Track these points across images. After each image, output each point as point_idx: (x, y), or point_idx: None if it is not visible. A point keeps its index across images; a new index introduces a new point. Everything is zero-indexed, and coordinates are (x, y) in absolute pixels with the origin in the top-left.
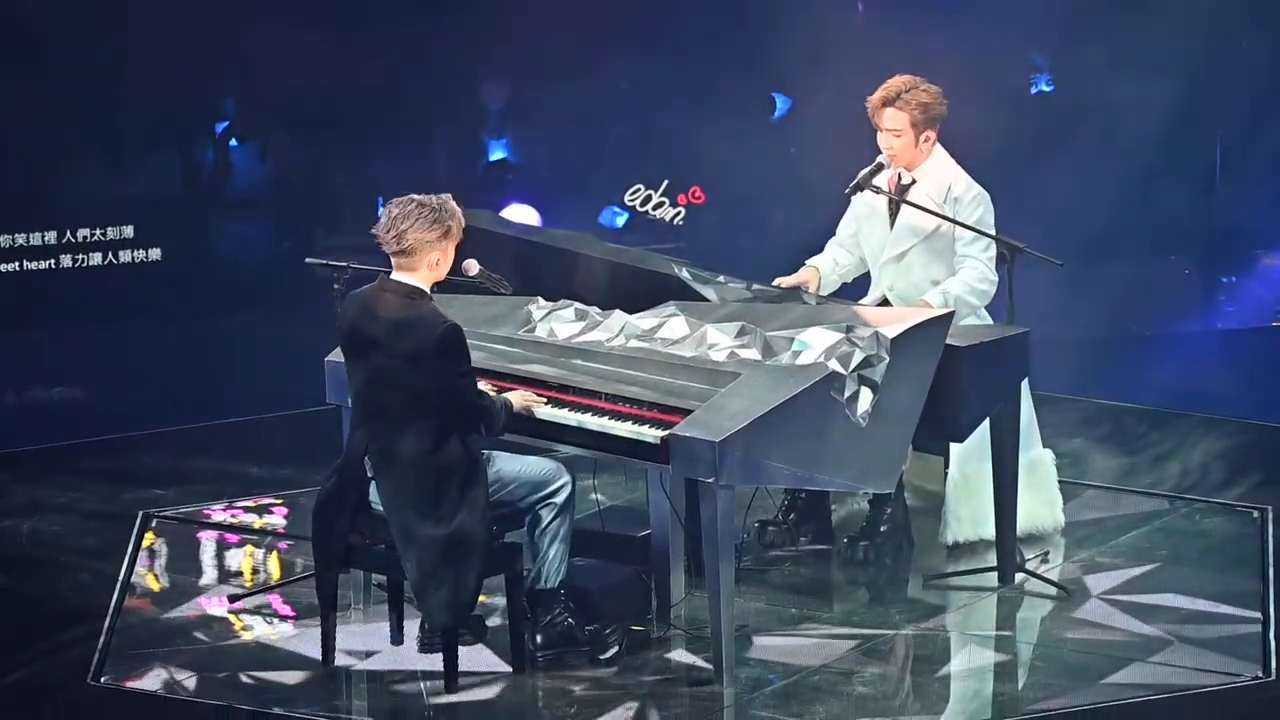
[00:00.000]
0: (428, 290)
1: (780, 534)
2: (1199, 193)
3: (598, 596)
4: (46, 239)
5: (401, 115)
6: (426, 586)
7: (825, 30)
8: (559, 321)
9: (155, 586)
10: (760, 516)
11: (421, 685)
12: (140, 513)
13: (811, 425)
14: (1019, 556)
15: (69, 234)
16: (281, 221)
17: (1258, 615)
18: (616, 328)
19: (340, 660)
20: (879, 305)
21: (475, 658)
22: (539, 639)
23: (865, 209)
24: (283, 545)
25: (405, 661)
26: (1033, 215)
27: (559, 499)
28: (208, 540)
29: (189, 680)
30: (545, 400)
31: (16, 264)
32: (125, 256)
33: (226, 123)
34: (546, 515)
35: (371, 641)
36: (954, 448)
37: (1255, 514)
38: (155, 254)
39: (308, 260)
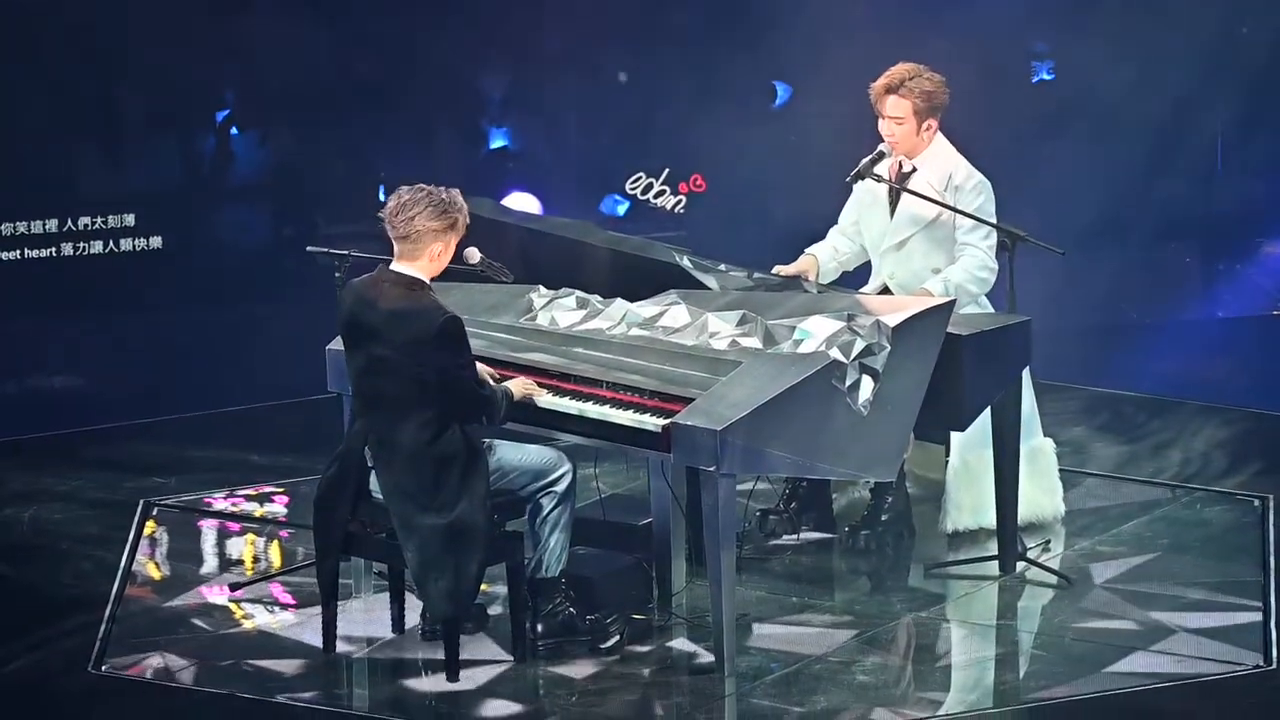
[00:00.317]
0: (427, 281)
1: (781, 523)
2: (1199, 181)
3: (599, 585)
4: (48, 227)
5: (402, 103)
6: (427, 576)
7: (826, 18)
8: (560, 310)
9: (156, 575)
10: (761, 505)
11: (423, 674)
12: (141, 501)
13: (813, 414)
14: (1020, 545)
15: (70, 222)
16: (283, 210)
17: (1258, 604)
18: (618, 316)
19: (341, 649)
20: (880, 293)
21: (476, 647)
22: (540, 628)
23: (867, 197)
24: (284, 533)
25: (406, 650)
26: (1033, 203)
27: (560, 487)
28: (209, 529)
29: (190, 668)
30: (546, 389)
31: (18, 252)
32: (126, 245)
33: (227, 111)
34: (547, 504)
35: (373, 630)
36: (955, 436)
37: (1256, 502)
38: (156, 242)
39: (309, 249)
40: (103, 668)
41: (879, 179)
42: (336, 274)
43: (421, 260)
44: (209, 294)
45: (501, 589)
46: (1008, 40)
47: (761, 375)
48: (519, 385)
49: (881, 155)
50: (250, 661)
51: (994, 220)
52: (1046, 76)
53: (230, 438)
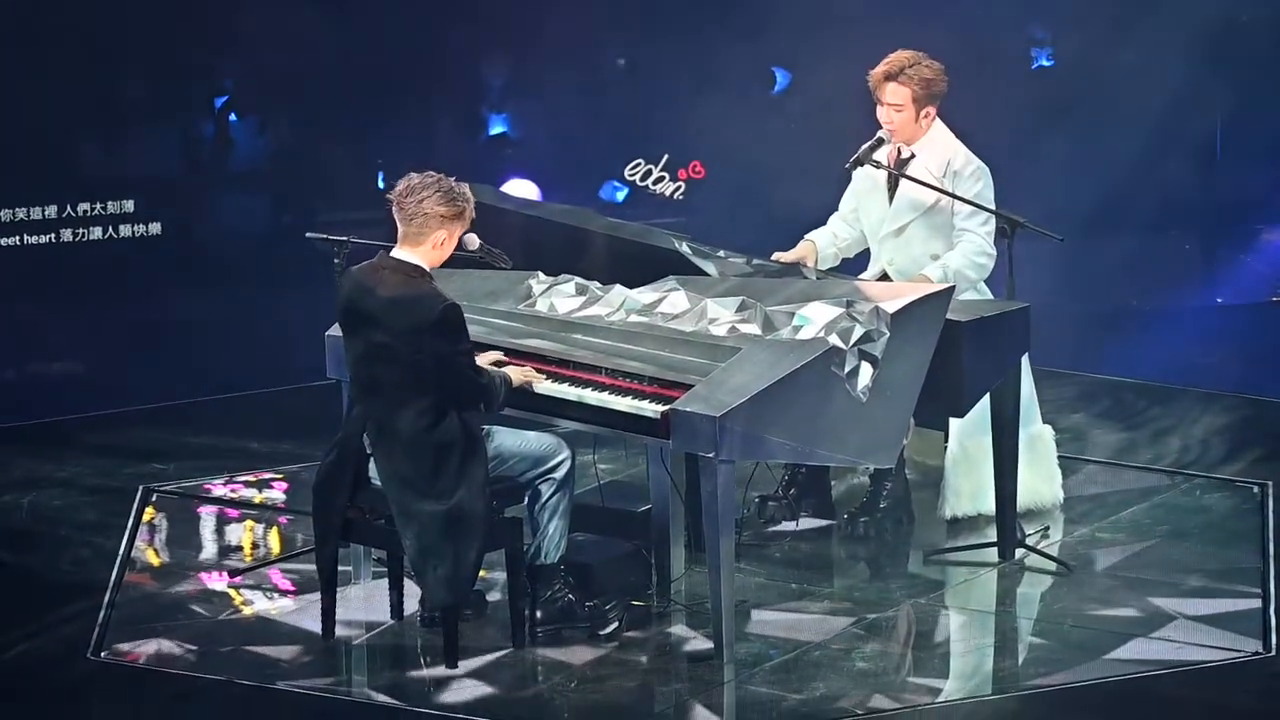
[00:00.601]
0: (428, 269)
1: (780, 509)
2: (1199, 168)
3: (598, 571)
4: (47, 213)
5: (402, 89)
6: (426, 564)
7: (825, 5)
8: (559, 296)
9: (155, 561)
10: (760, 491)
11: (422, 660)
12: (140, 487)
13: (812, 400)
14: (1019, 532)
15: (69, 208)
16: (282, 196)
17: (1257, 590)
18: (617, 302)
19: (340, 635)
20: (879, 280)
21: (475, 633)
22: (539, 614)
23: (866, 184)
24: (283, 520)
25: (405, 637)
26: (1033, 190)
27: (559, 474)
28: (208, 515)
29: (189, 655)
30: (545, 375)
31: (17, 238)
32: (126, 231)
33: (226, 97)
34: (546, 490)
35: (372, 616)
36: (954, 423)
37: (1255, 489)
38: (155, 228)
39: (308, 235)
40: (102, 654)
41: (878, 165)
42: (335, 260)
43: (424, 247)
44: (208, 280)
45: (500, 575)
46: (1007, 27)
47: (760, 361)
48: (517, 372)
49: (880, 141)
50: (249, 648)
51: (993, 206)
52: (1046, 63)
53: (229, 424)
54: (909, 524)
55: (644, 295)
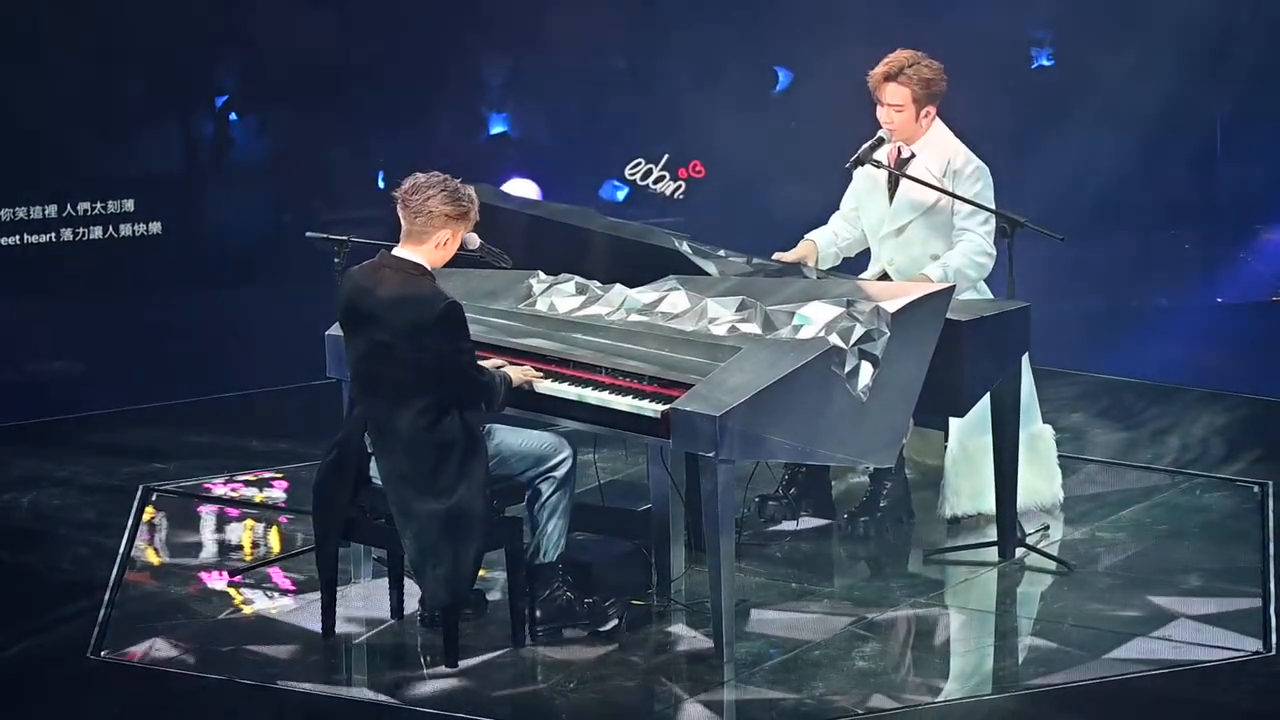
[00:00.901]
0: (429, 268)
1: (780, 508)
2: (1199, 167)
3: (598, 571)
4: (47, 212)
5: (402, 89)
6: (425, 563)
7: (825, 4)
8: (559, 295)
9: (155, 560)
10: (760, 491)
11: (422, 659)
12: (140, 486)
13: (812, 400)
14: (1019, 531)
15: (69, 207)
16: (282, 195)
17: (1257, 590)
18: (617, 302)
19: (340, 634)
20: (879, 279)
21: (475, 632)
22: (537, 613)
23: (866, 183)
24: (283, 519)
25: (405, 636)
26: (1033, 189)
27: (559, 473)
28: (208, 514)
29: (189, 654)
30: (545, 375)
31: (17, 237)
32: (126, 230)
33: (226, 97)
34: (546, 489)
35: (372, 615)
36: (954, 422)
37: (1255, 489)
38: (156, 227)
39: (308, 234)
40: (102, 653)
41: (878, 165)
42: (335, 260)
43: (427, 246)
44: (208, 279)
45: (501, 575)
46: (1007, 26)
47: (760, 361)
48: (518, 371)
49: (881, 141)
50: (249, 647)
51: (993, 206)
52: (1046, 62)
53: (229, 423)
54: (909, 523)
55: (644, 295)
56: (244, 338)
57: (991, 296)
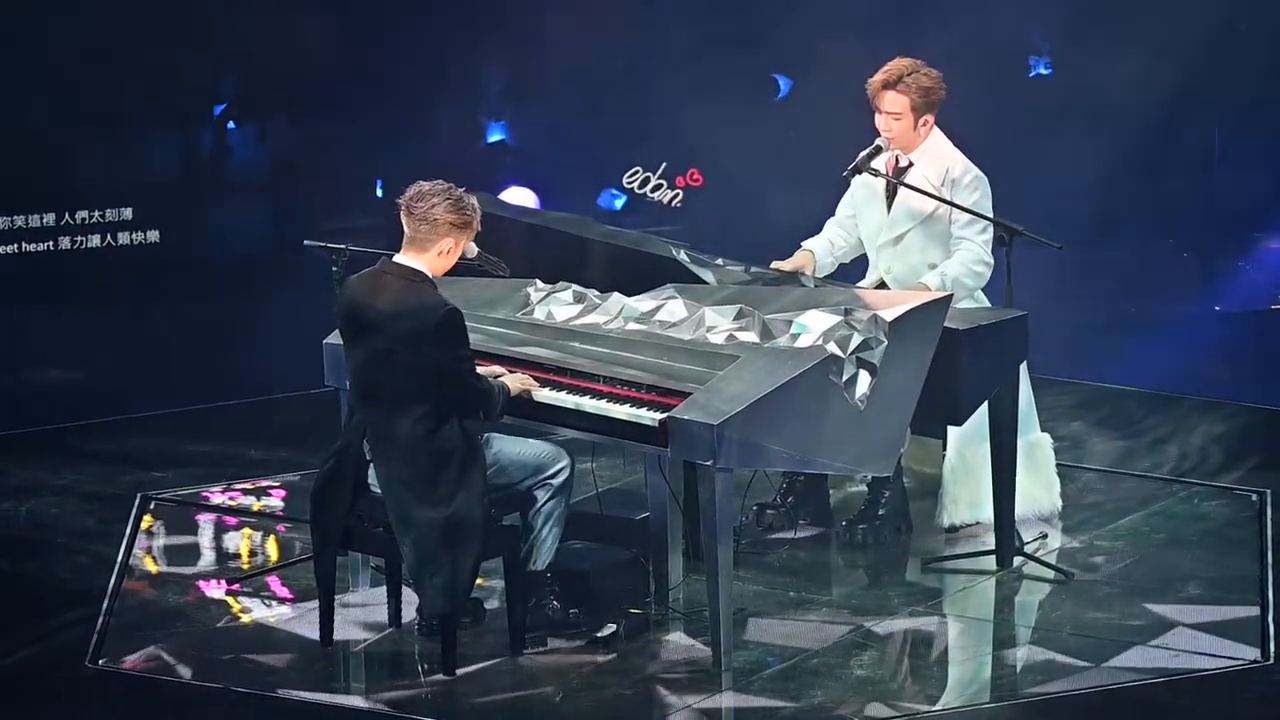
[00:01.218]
0: (430, 275)
1: (778, 517)
2: (1197, 175)
3: (596, 579)
4: (45, 221)
5: (400, 97)
6: (423, 572)
7: (823, 12)
8: (557, 304)
9: (153, 569)
10: (758, 499)
11: (420, 668)
12: (139, 495)
13: (810, 408)
14: (1018, 540)
15: (68, 216)
16: (280, 204)
17: (1256, 598)
18: (615, 310)
19: (338, 642)
20: (877, 288)
21: (473, 640)
22: (526, 620)
23: (864, 192)
24: (281, 528)
25: (404, 644)
26: (1031, 198)
27: (557, 481)
28: (206, 522)
29: (187, 662)
30: (543, 383)
31: (15, 245)
32: (124, 238)
33: (225, 105)
34: (542, 496)
35: (370, 624)
36: (952, 431)
37: (1254, 497)
38: (154, 236)
39: (306, 243)
40: (100, 661)
41: (876, 173)
42: (334, 268)
43: (429, 254)
44: (206, 288)
45: (499, 583)
46: (1005, 35)
47: (758, 369)
48: (516, 380)
49: (879, 149)
50: (247, 655)
51: (990, 215)
52: (1044, 71)
53: (227, 432)
54: (907, 532)
55: (642, 303)
56: (242, 346)
57: (989, 305)
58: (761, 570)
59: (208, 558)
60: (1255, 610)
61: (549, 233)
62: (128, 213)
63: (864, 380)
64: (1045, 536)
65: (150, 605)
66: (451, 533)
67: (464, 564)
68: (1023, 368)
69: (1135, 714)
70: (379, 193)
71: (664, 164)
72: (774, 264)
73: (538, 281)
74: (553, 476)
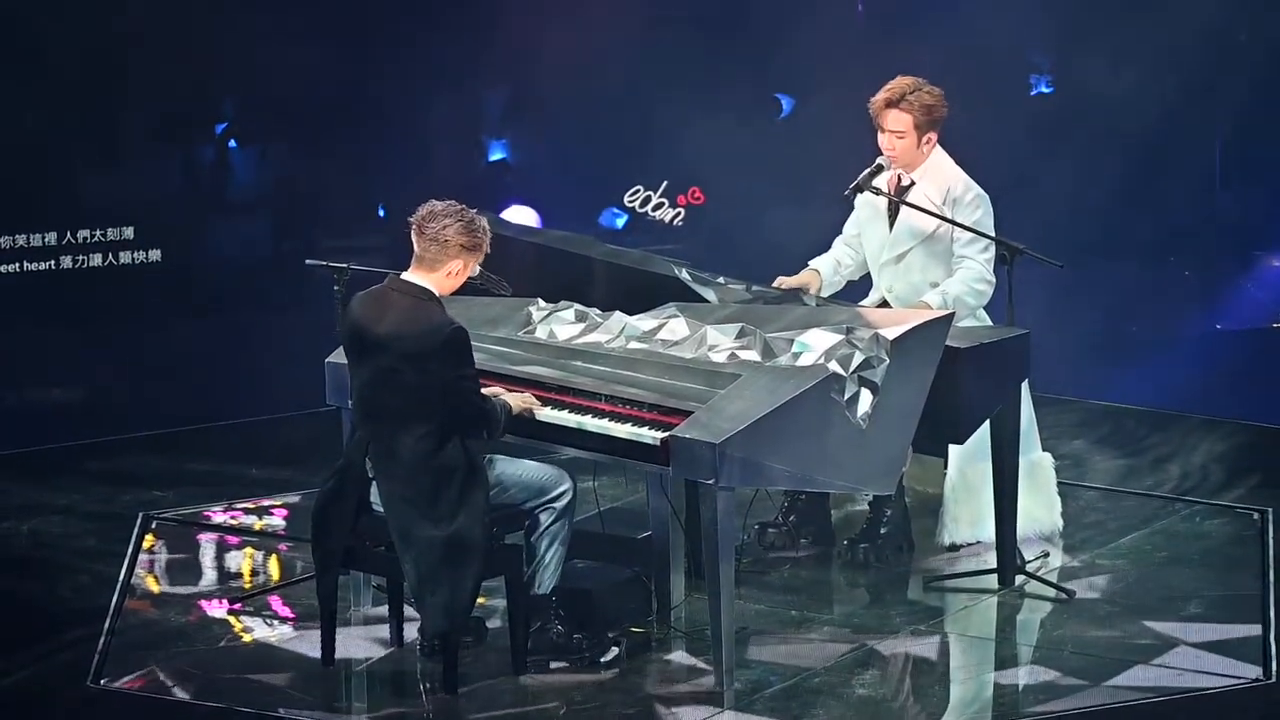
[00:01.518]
0: (437, 294)
1: (780, 536)
2: (1199, 194)
3: (598, 598)
4: (47, 240)
5: (401, 116)
6: (424, 590)
7: (824, 31)
8: (559, 323)
9: (155, 588)
10: (760, 518)
11: (421, 687)
12: (140, 514)
13: (811, 427)
14: (1019, 559)
15: (69, 235)
16: (281, 223)
17: (1258, 617)
18: (616, 329)
19: (340, 662)
20: (879, 307)
21: (475, 660)
22: (529, 644)
23: (867, 210)
24: (282, 547)
25: (405, 663)
26: (1032, 216)
27: (560, 504)
28: (208, 542)
29: (189, 682)
30: (544, 402)
31: (17, 265)
32: (126, 258)
33: (226, 124)
34: (545, 518)
35: (371, 643)
36: (953, 449)
37: (1255, 516)
38: (155, 255)
39: (308, 262)
40: (101, 681)
41: (877, 192)
42: (335, 287)
43: (438, 274)
44: (208, 307)
45: (501, 602)
46: (1006, 53)
47: (760, 388)
48: (518, 399)
49: (880, 168)
50: (249, 675)
51: (992, 233)
52: (1045, 90)
53: (229, 451)
54: (908, 551)
55: (644, 322)
56: (243, 365)
57: (991, 323)
58: (763, 589)
59: (209, 577)
60: (1257, 629)
61: (551, 252)
62: (129, 232)
63: (866, 399)
64: (1047, 555)
65: (152, 625)
66: (452, 552)
67: (464, 583)
68: (1024, 386)
69: None
70: (381, 213)
71: (665, 183)
72: (779, 280)
73: (540, 300)
74: (555, 499)
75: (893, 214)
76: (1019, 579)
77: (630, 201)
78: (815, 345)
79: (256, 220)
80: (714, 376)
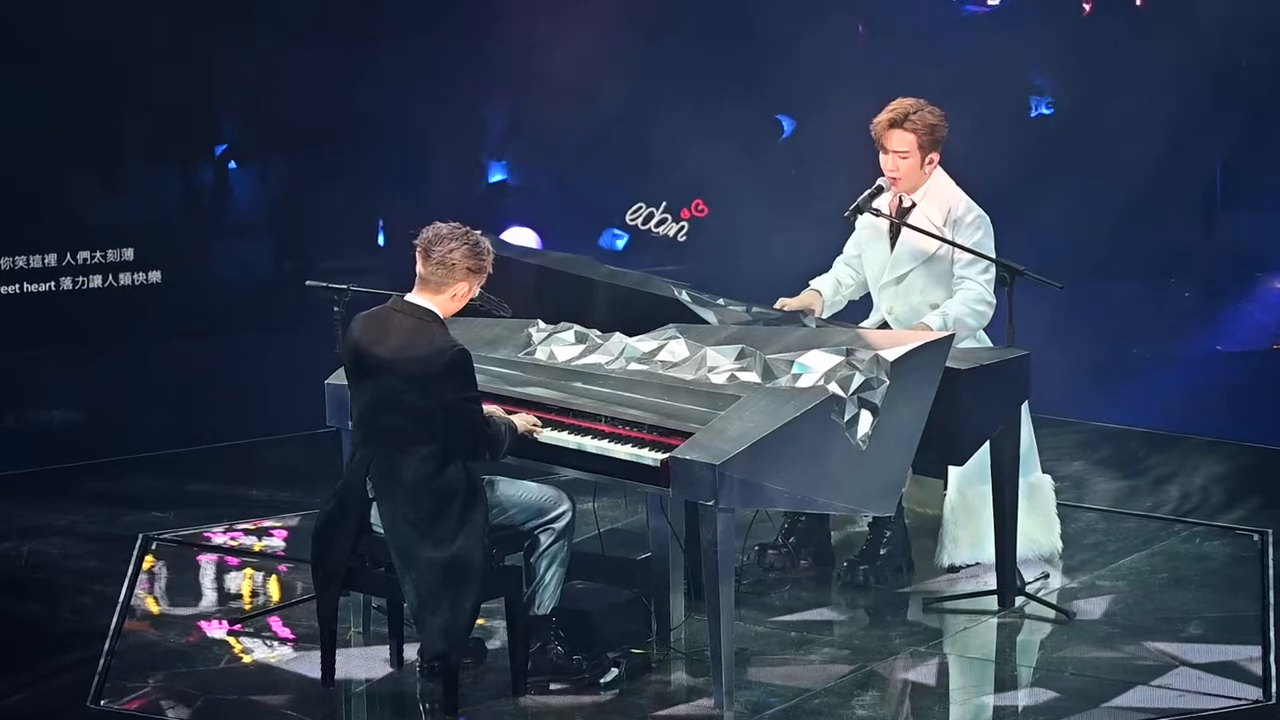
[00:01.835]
0: (440, 316)
1: (780, 557)
2: (1199, 215)
3: (597, 619)
4: (47, 261)
5: (401, 137)
6: (424, 611)
7: (825, 53)
8: (559, 344)
9: (155, 609)
10: (760, 539)
11: (421, 708)
12: (140, 535)
13: (811, 448)
14: (1019, 580)
15: (69, 256)
16: (281, 244)
17: (1258, 639)
18: (616, 350)
19: (340, 682)
20: (879, 328)
21: (475, 681)
22: (529, 665)
23: (868, 231)
24: (282, 568)
25: (405, 685)
26: (1033, 238)
27: (559, 525)
28: (207, 563)
29: (189, 703)
30: (545, 424)
31: (17, 286)
32: (125, 279)
33: (226, 145)
34: (545, 539)
35: (371, 664)
36: (953, 471)
37: (1256, 537)
38: (155, 276)
39: (308, 283)
40: (102, 702)
41: (877, 213)
42: (335, 308)
43: (443, 296)
44: (207, 328)
45: (501, 623)
46: (1006, 75)
47: (760, 410)
48: (521, 421)
49: (880, 189)
50: (249, 696)
51: (993, 255)
52: (1045, 111)
53: (229, 472)
54: (908, 572)
55: (644, 343)
56: (243, 386)
57: (991, 345)
58: (763, 610)
59: (209, 598)
60: (1257, 650)
61: (551, 273)
62: (129, 253)
63: (865, 420)
64: (1047, 576)
65: (152, 646)
66: (452, 573)
67: (464, 605)
68: (1024, 408)
69: None
70: (380, 238)
71: (665, 203)
72: (781, 301)
73: (540, 322)
74: (555, 520)
75: (894, 235)
76: (1019, 600)
77: (632, 219)
78: (815, 367)
79: (256, 242)
80: (714, 398)
